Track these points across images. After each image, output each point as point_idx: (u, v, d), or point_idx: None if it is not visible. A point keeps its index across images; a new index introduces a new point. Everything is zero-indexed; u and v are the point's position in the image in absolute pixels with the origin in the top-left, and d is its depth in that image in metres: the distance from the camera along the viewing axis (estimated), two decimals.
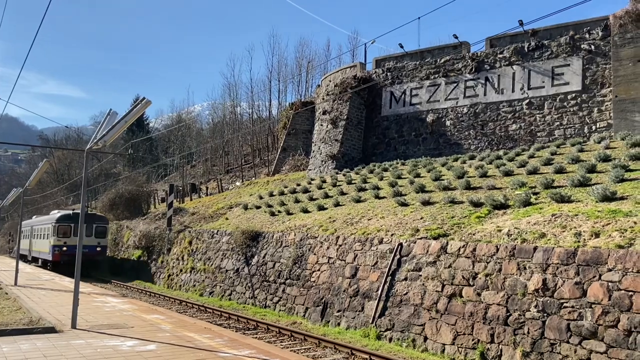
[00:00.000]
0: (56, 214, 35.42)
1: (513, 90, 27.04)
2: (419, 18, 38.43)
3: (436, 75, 29.97)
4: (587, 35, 25.18)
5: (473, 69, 28.46)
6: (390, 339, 13.59)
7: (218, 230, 26.03)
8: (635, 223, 10.99)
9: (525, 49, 26.80)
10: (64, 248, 32.37)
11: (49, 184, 74.52)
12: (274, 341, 14.26)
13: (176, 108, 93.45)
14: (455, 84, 29.13)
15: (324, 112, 34.08)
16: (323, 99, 35.33)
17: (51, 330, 11.20)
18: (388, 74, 32.12)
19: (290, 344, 13.93)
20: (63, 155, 79.72)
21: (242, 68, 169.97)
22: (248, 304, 20.29)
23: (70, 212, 35.03)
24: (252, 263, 21.49)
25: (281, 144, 43.70)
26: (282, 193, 29.24)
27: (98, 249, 33.64)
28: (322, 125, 34.13)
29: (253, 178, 46.69)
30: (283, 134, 44.18)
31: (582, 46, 25.20)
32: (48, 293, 18.71)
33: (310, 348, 13.51)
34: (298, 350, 13.16)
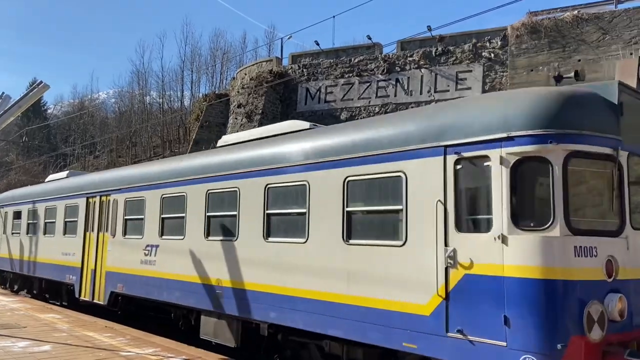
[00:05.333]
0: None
1: (421, 93, 28.38)
2: (334, 17, 39.23)
3: (350, 75, 30.68)
4: (487, 44, 27.02)
5: (385, 70, 29.49)
6: None
7: None
8: None
9: (433, 54, 28.21)
10: None
11: None
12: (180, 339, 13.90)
13: (78, 94, 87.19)
14: (368, 84, 30.01)
15: (239, 106, 33.67)
16: (238, 92, 34.90)
17: None
18: (304, 70, 32.37)
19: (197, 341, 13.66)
20: None
21: (152, 55, 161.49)
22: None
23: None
24: None
25: (193, 137, 42.55)
26: None
27: None
28: (236, 118, 33.70)
29: None
30: (195, 127, 43.05)
31: (483, 54, 27.00)
32: None
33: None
34: (206, 347, 12.94)
